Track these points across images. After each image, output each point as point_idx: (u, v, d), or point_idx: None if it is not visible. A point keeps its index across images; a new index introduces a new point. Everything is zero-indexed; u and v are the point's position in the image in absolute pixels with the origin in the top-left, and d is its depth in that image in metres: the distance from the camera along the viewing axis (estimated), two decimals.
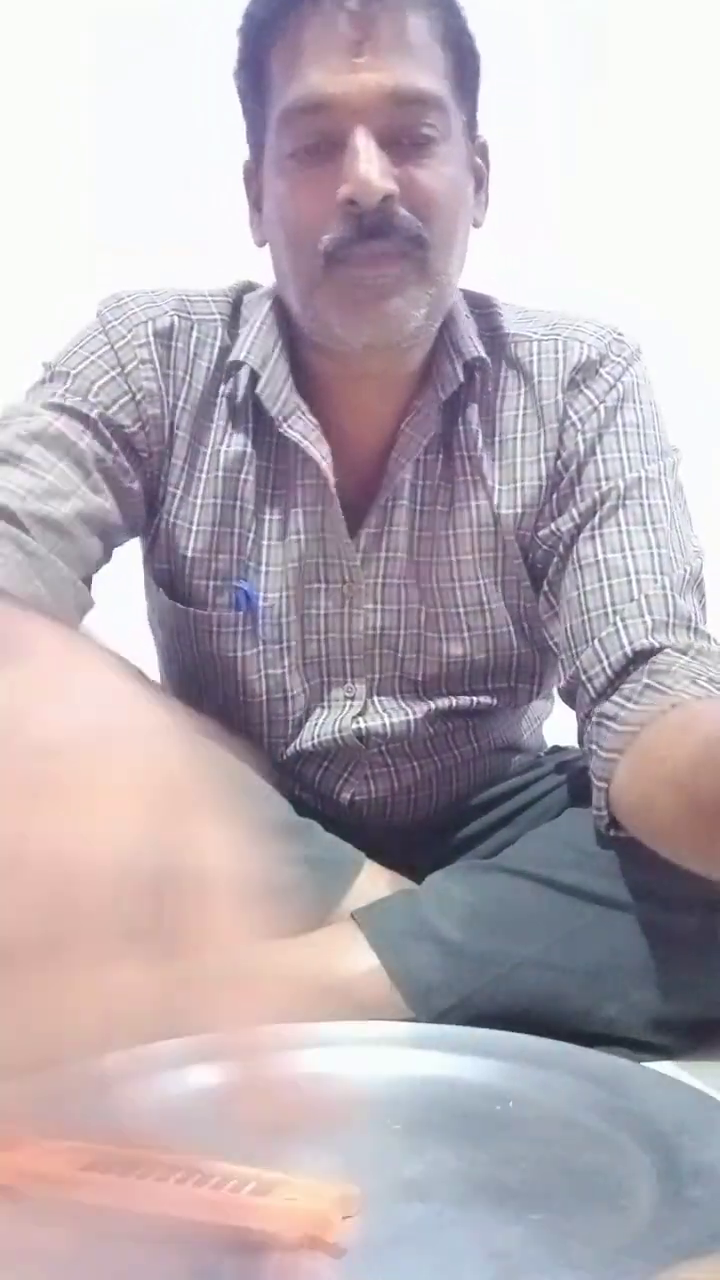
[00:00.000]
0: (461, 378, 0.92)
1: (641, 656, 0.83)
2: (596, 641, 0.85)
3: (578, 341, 0.94)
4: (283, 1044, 0.69)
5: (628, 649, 0.83)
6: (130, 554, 1.02)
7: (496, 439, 0.95)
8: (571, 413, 0.93)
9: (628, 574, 0.86)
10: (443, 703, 1.00)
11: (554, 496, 0.93)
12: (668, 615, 0.84)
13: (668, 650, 0.82)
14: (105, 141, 2.01)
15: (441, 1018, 0.78)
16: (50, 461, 0.86)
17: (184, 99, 1.92)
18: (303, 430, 0.92)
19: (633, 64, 2.30)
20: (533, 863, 0.85)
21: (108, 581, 0.94)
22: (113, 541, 0.92)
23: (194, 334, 0.94)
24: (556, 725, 1.16)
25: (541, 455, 0.94)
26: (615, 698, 0.83)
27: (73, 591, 0.84)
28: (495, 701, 1.01)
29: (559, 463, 0.93)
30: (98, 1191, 0.52)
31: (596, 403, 0.92)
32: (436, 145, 0.84)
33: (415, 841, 1.03)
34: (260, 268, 0.95)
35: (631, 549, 0.87)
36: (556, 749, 1.14)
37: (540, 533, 0.94)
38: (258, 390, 0.92)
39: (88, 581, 0.89)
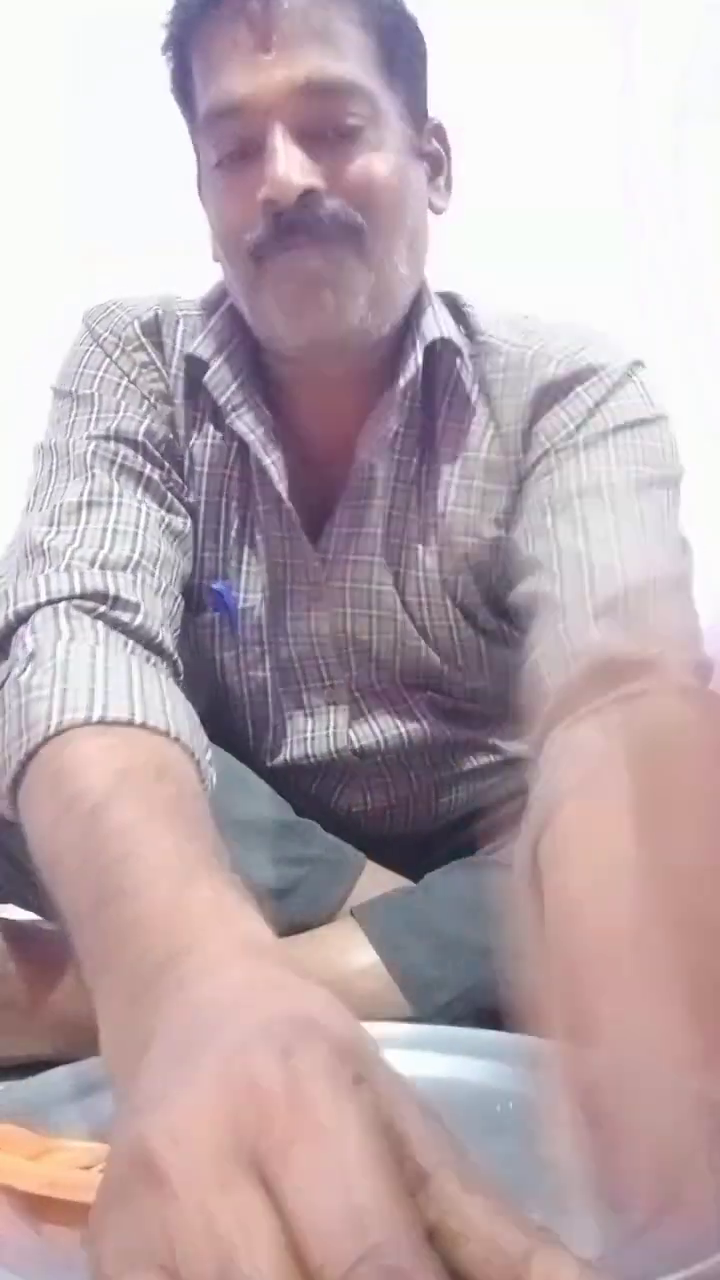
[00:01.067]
0: (420, 361, 0.87)
1: (616, 668, 0.69)
2: (561, 639, 0.75)
3: (546, 358, 0.87)
4: None
5: (602, 656, 0.71)
6: None
7: (462, 451, 0.89)
8: (538, 431, 0.86)
9: (610, 565, 0.76)
10: (434, 712, 0.97)
11: (514, 503, 0.88)
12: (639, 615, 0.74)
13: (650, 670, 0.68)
14: (93, 144, 2.00)
15: (441, 1012, 0.78)
16: (130, 496, 0.83)
17: (173, 101, 1.92)
18: (249, 423, 0.88)
19: None
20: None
21: None
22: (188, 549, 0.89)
23: (180, 326, 0.92)
24: None
25: (508, 483, 0.88)
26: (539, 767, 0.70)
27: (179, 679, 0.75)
28: (487, 712, 0.98)
29: (518, 474, 0.88)
30: (96, 1192, 0.52)
31: (570, 415, 0.85)
32: (364, 133, 0.79)
33: (414, 849, 1.03)
34: None
35: (617, 541, 0.77)
36: None
37: (499, 538, 0.89)
38: (205, 379, 0.88)
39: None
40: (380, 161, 0.80)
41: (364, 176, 0.79)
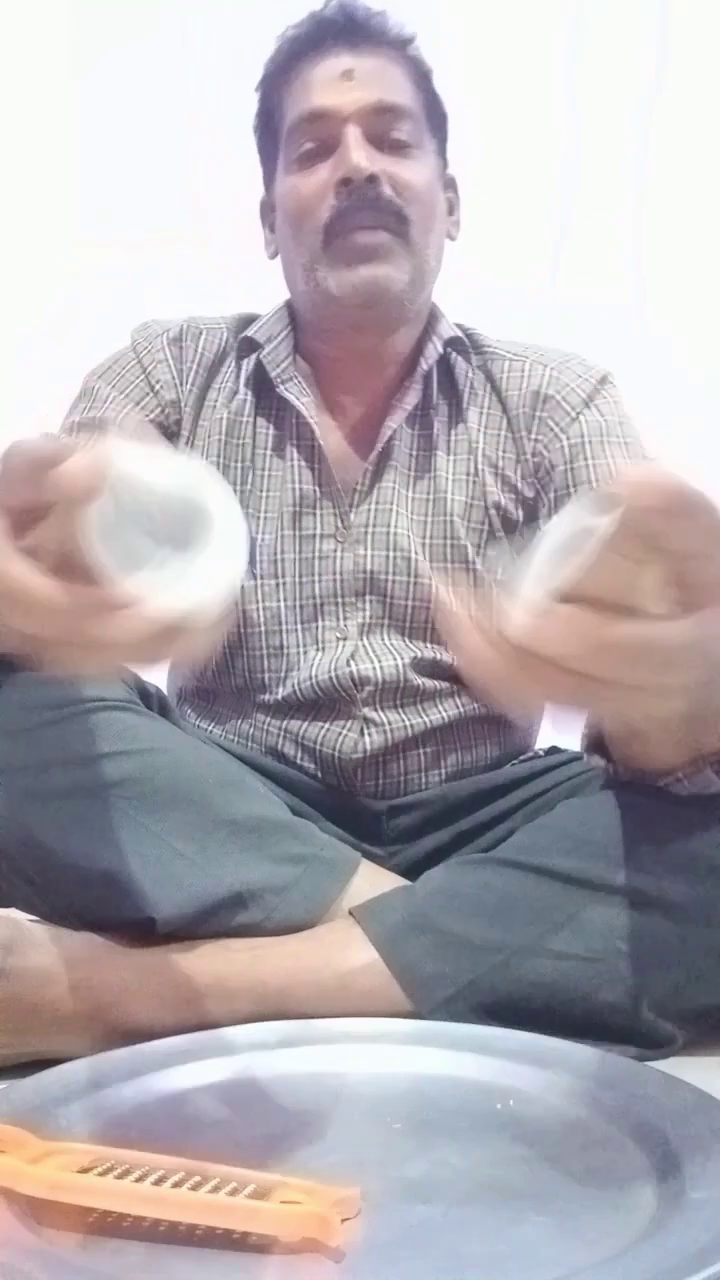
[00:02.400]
0: (440, 350, 1.07)
1: None
2: None
3: (542, 366, 1.09)
4: (284, 1041, 0.69)
5: None
6: None
7: (481, 433, 1.09)
8: (538, 440, 1.07)
9: None
10: (429, 651, 1.05)
11: (532, 489, 1.07)
12: None
13: None
14: (86, 133, 2.00)
15: (440, 1008, 0.78)
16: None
17: (167, 89, 1.92)
18: (296, 392, 1.07)
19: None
20: (528, 853, 0.85)
21: None
22: None
23: (201, 337, 1.11)
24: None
25: (518, 456, 1.08)
26: None
27: None
28: None
29: (538, 472, 1.07)
30: (97, 1195, 0.52)
31: (566, 428, 1.07)
32: (411, 149, 1.04)
33: (414, 828, 1.04)
34: (240, 257, 1.10)
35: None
36: (554, 749, 1.13)
37: (527, 510, 1.07)
38: (262, 357, 1.08)
39: None
40: (421, 172, 1.04)
41: (408, 177, 1.02)
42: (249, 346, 1.09)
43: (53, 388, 1.13)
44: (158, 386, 1.09)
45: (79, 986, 0.79)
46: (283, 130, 1.06)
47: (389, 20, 1.08)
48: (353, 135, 1.00)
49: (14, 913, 0.85)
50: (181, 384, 1.10)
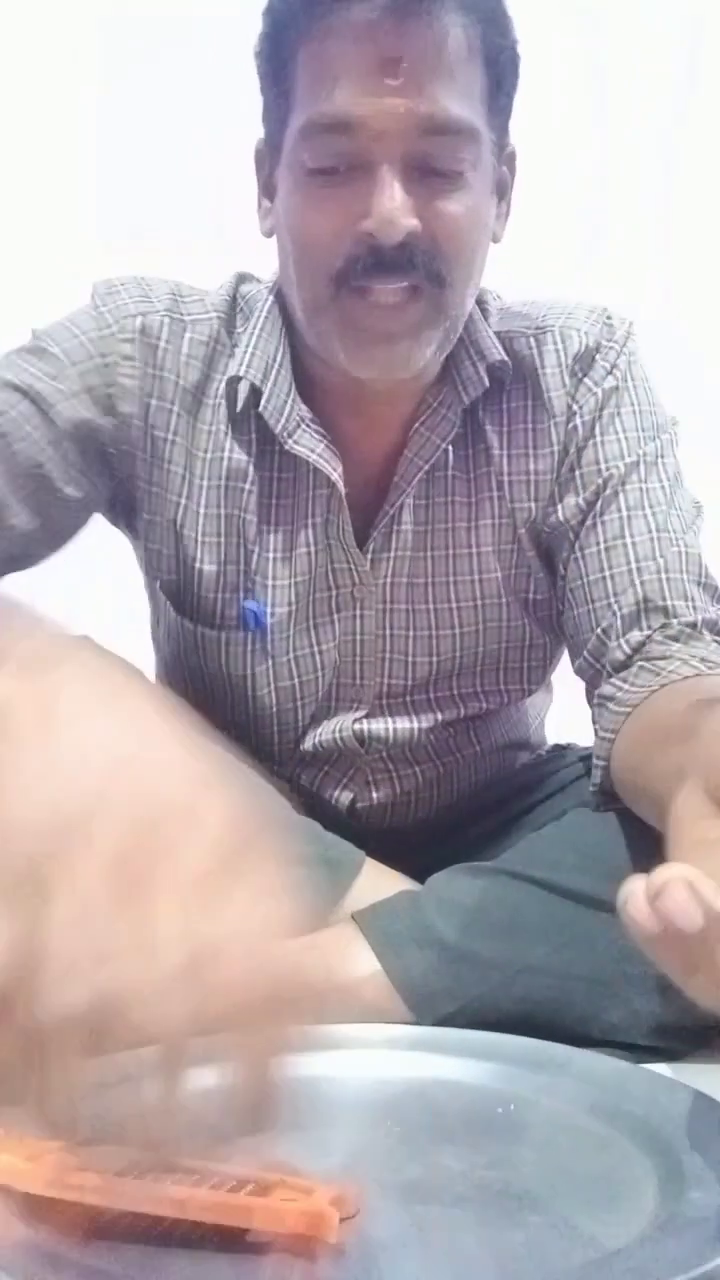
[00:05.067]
0: (487, 382, 0.91)
1: (640, 644, 0.87)
2: (600, 630, 0.89)
3: (574, 330, 0.93)
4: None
5: (628, 636, 0.88)
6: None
7: (505, 431, 0.94)
8: (574, 403, 0.93)
9: (628, 562, 0.89)
10: (448, 709, 0.99)
11: (559, 485, 0.94)
12: (664, 599, 0.88)
13: (665, 631, 0.87)
14: (109, 141, 2.00)
15: (443, 1023, 0.77)
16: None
17: (190, 99, 1.92)
18: (310, 445, 0.90)
19: None
20: (536, 866, 0.84)
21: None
22: (29, 556, 0.91)
23: (186, 335, 0.91)
24: (558, 722, 1.15)
25: (551, 448, 0.94)
26: (614, 679, 0.87)
27: None
28: (502, 698, 1.01)
29: (563, 451, 0.94)
30: (95, 1192, 0.52)
31: (594, 388, 0.93)
32: (466, 177, 0.80)
33: (416, 843, 1.03)
34: (262, 262, 0.94)
35: (631, 535, 0.89)
36: (559, 748, 1.13)
37: (549, 520, 0.94)
38: (260, 408, 0.90)
39: None
40: (472, 208, 0.81)
41: (456, 225, 0.80)
42: (249, 396, 0.90)
43: None
44: (113, 391, 0.89)
45: None
46: (294, 100, 0.80)
47: None
48: (389, 174, 0.77)
49: None
50: (148, 396, 0.90)
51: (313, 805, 1.02)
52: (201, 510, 0.92)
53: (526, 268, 2.16)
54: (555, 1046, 0.69)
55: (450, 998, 0.78)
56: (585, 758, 0.98)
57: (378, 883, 0.89)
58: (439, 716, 0.99)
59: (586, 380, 0.93)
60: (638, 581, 0.88)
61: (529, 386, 0.93)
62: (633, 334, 0.95)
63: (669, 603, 0.88)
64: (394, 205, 0.77)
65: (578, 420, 0.93)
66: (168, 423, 0.91)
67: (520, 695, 1.03)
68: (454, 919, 0.81)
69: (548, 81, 2.29)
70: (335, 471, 0.90)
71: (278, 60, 0.82)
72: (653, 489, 0.91)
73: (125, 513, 0.95)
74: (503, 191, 0.89)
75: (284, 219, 0.85)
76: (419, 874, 0.91)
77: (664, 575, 0.88)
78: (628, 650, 0.87)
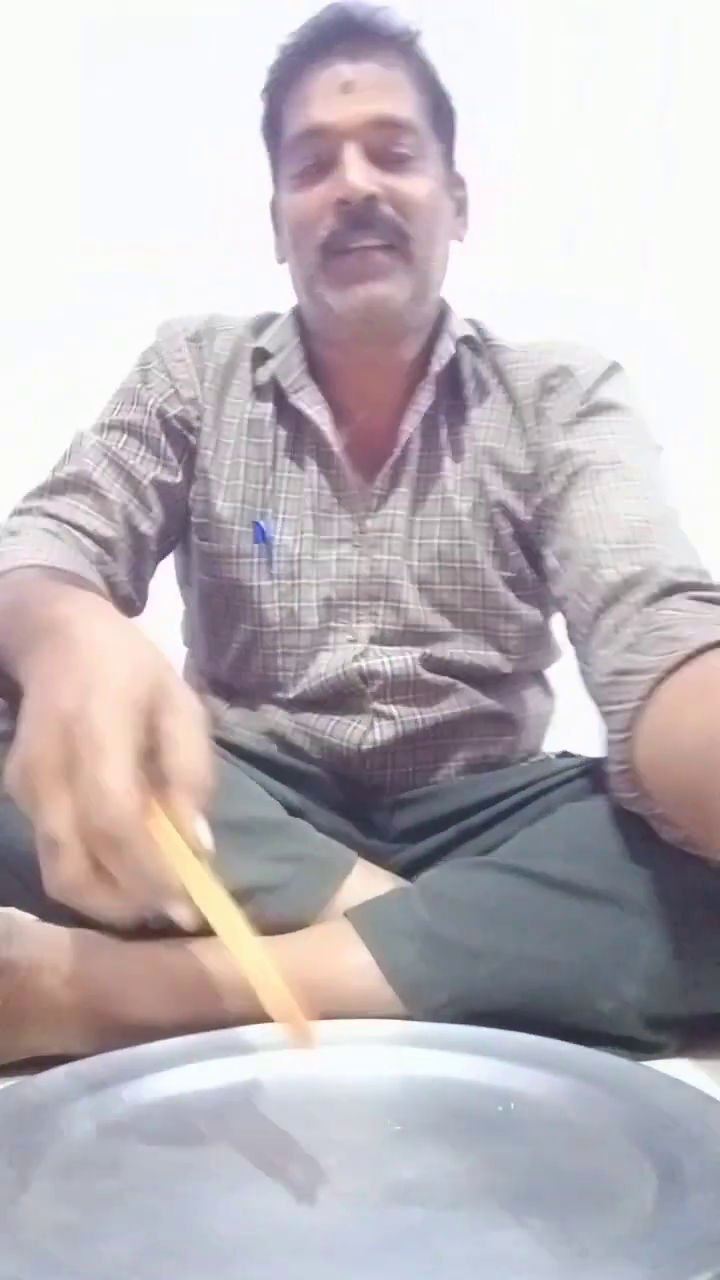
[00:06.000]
0: (454, 350, 1.07)
1: (626, 586, 0.89)
2: (584, 579, 0.93)
3: (549, 354, 1.08)
4: (280, 1043, 0.69)
5: (613, 580, 0.90)
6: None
7: (484, 430, 1.08)
8: (546, 407, 1.06)
9: (613, 516, 0.95)
10: (438, 655, 1.07)
11: (537, 478, 1.05)
12: (650, 542, 0.92)
13: (652, 580, 0.88)
14: (91, 141, 2.00)
15: (435, 1014, 0.77)
16: (112, 484, 1.06)
17: (173, 98, 1.92)
18: (308, 400, 1.07)
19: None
20: (525, 858, 0.85)
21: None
22: (150, 550, 1.09)
23: (218, 336, 1.12)
24: (564, 733, 1.16)
25: (524, 447, 1.06)
26: (627, 654, 0.85)
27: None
28: (488, 658, 1.09)
29: (538, 450, 1.05)
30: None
31: (571, 398, 1.05)
32: (413, 162, 1.01)
33: (420, 825, 1.05)
34: (248, 268, 1.11)
35: (613, 503, 0.96)
36: (565, 754, 1.14)
37: (534, 503, 1.05)
38: (272, 368, 1.09)
39: (139, 593, 1.09)
40: (423, 185, 1.02)
41: (409, 193, 1.00)
42: (261, 356, 1.10)
43: (56, 390, 1.13)
44: (179, 385, 1.10)
45: (74, 979, 0.79)
46: (284, 136, 1.04)
47: (391, 18, 1.03)
48: (351, 153, 0.98)
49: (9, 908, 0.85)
50: (201, 382, 1.11)
51: (326, 755, 1.07)
52: (227, 460, 1.09)
53: (525, 268, 2.17)
54: (553, 1042, 0.69)
55: (442, 989, 0.78)
56: (587, 765, 0.98)
57: (369, 882, 0.90)
58: (431, 660, 1.07)
59: (563, 392, 1.05)
60: (623, 523, 0.94)
61: (503, 393, 1.09)
62: (619, 370, 1.08)
63: (652, 543, 0.92)
64: (357, 175, 0.98)
65: (553, 424, 1.05)
66: (209, 396, 1.11)
67: (505, 661, 1.10)
68: (444, 912, 0.82)
69: (547, 82, 2.30)
70: (325, 425, 1.07)
71: (274, 121, 1.06)
72: (635, 469, 0.99)
73: (188, 484, 1.12)
74: (459, 205, 1.10)
75: (284, 217, 1.05)
76: (418, 871, 0.91)
77: (649, 524, 0.94)
78: (611, 582, 0.90)
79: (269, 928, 0.86)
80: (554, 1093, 0.65)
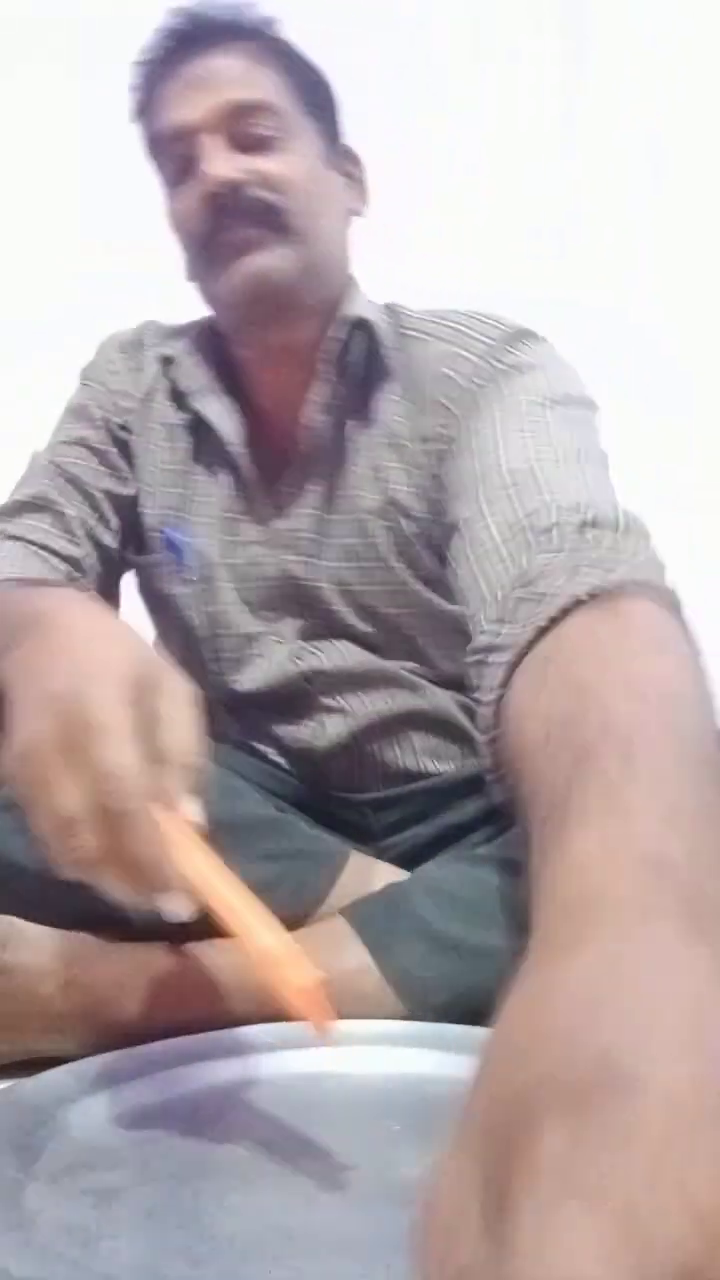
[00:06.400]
0: (341, 337, 1.01)
1: (515, 526, 0.76)
2: (475, 542, 0.80)
3: (443, 341, 0.99)
4: (284, 1042, 0.70)
5: (498, 519, 0.78)
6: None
7: (387, 424, 1.02)
8: (444, 399, 0.97)
9: (495, 468, 0.84)
10: (372, 653, 1.05)
11: (440, 499, 0.96)
12: (537, 478, 0.79)
13: (550, 535, 0.73)
14: (92, 140, 1.99)
15: (435, 1013, 0.77)
16: (72, 500, 1.05)
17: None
18: (208, 403, 1.06)
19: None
20: (523, 850, 0.84)
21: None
22: (115, 563, 1.09)
23: (147, 345, 1.11)
24: None
25: (424, 441, 0.99)
26: (491, 625, 0.70)
27: None
28: (426, 656, 1.05)
29: (438, 446, 0.97)
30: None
31: (465, 385, 0.96)
32: (278, 141, 0.99)
33: (401, 822, 1.04)
34: None
35: (491, 451, 0.86)
36: None
37: (438, 520, 0.96)
38: (170, 373, 1.08)
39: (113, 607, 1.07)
40: (293, 163, 0.99)
41: (278, 171, 0.98)
42: (166, 362, 1.09)
43: (55, 389, 1.13)
44: (116, 396, 1.10)
45: (72, 983, 0.79)
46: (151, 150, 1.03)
47: (243, 13, 1.02)
48: (208, 146, 0.97)
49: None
50: (133, 392, 1.10)
51: (286, 759, 1.06)
52: (152, 466, 1.09)
53: (515, 271, 2.18)
54: None
55: (442, 988, 0.78)
56: None
57: (364, 876, 0.89)
58: (370, 647, 1.05)
59: (458, 379, 0.96)
60: (505, 473, 0.82)
61: (408, 384, 1.02)
62: (526, 335, 0.97)
63: (541, 479, 0.79)
64: (217, 166, 0.96)
65: (449, 415, 0.96)
66: (137, 404, 1.10)
67: (444, 660, 1.05)
68: (443, 909, 0.82)
69: (538, 85, 2.31)
70: (226, 425, 1.05)
71: (152, 142, 1.03)
72: (525, 422, 0.87)
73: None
74: (350, 176, 1.07)
75: (171, 227, 1.03)
76: (411, 864, 0.91)
77: (535, 466, 0.81)
78: (501, 534, 0.77)
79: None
80: None
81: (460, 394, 0.96)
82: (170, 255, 1.06)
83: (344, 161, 1.06)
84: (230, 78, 0.98)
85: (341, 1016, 0.73)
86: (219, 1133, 0.57)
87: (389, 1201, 0.54)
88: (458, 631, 0.89)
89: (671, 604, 0.64)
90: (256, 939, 0.56)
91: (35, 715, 0.58)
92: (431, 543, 1.00)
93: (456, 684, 1.03)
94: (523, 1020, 0.32)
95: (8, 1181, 0.55)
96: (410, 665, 1.05)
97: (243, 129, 0.98)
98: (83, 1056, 0.70)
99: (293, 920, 0.85)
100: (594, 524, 0.72)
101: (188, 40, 1.00)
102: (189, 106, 0.98)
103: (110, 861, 0.56)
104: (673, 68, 2.21)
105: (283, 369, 1.04)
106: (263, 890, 0.86)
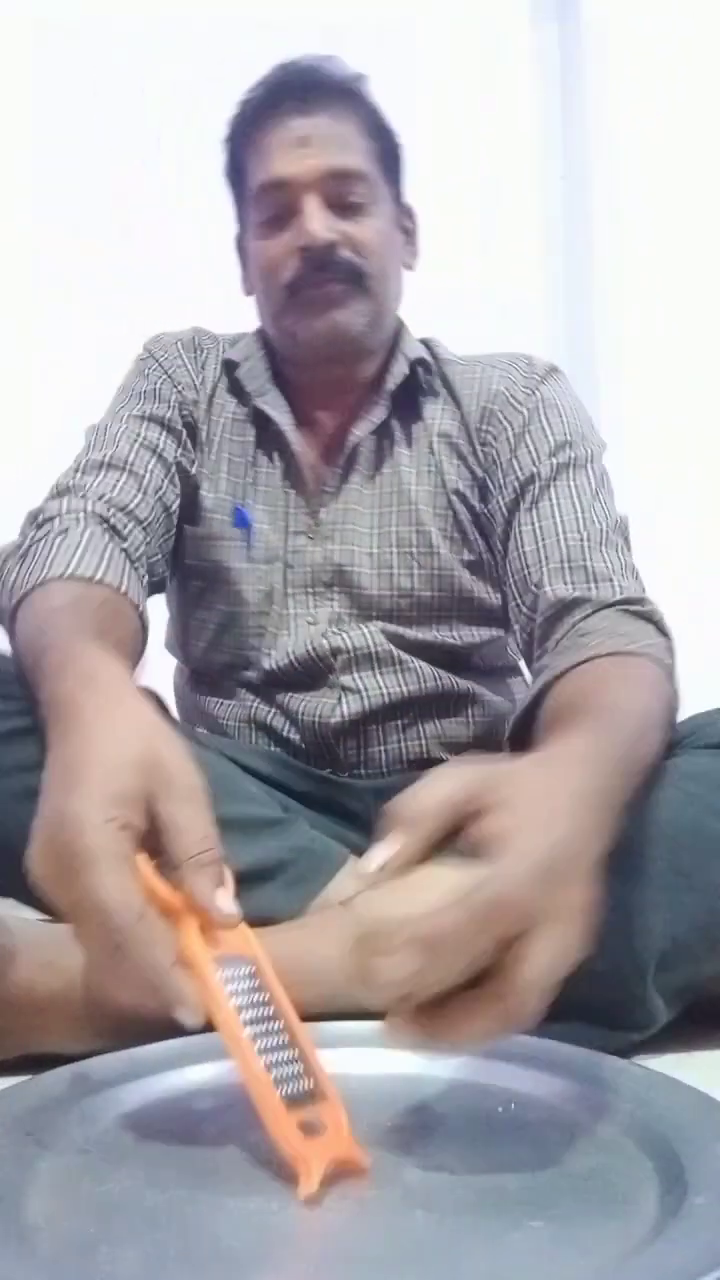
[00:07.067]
0: (407, 370, 1.17)
1: (566, 607, 0.99)
2: (533, 585, 1.03)
3: (491, 368, 1.17)
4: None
5: (552, 599, 1.00)
6: None
7: (438, 424, 1.17)
8: (488, 429, 1.14)
9: (556, 533, 1.05)
10: (399, 627, 1.14)
11: (490, 485, 1.13)
12: (585, 560, 1.02)
13: (588, 602, 0.99)
14: (91, 141, 1.99)
15: None
16: (146, 465, 1.11)
17: (175, 98, 1.92)
18: (272, 404, 1.17)
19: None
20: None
21: None
22: (174, 527, 1.15)
23: (204, 349, 1.22)
24: None
25: (470, 453, 1.15)
26: (549, 656, 0.95)
27: (141, 575, 1.05)
28: (451, 636, 1.15)
29: (486, 462, 1.14)
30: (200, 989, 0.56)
31: (511, 417, 1.13)
32: (366, 207, 1.12)
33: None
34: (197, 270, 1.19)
35: (560, 515, 1.06)
36: None
37: (488, 507, 1.13)
38: (237, 374, 1.19)
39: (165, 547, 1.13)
40: (376, 229, 1.13)
41: (364, 238, 1.11)
42: (230, 366, 1.20)
43: (57, 389, 1.13)
44: (180, 387, 1.18)
45: (51, 968, 0.79)
46: (248, 184, 1.14)
47: (336, 68, 1.14)
48: (311, 205, 1.09)
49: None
50: (196, 384, 1.19)
51: (303, 726, 1.12)
52: (214, 454, 1.18)
53: (518, 267, 2.17)
54: (557, 1045, 0.69)
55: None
56: None
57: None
58: (391, 632, 1.14)
59: (500, 415, 1.13)
60: (563, 545, 1.04)
61: (451, 405, 1.18)
62: (554, 373, 1.17)
63: (590, 564, 1.01)
64: (316, 224, 1.09)
65: (496, 443, 1.13)
66: (201, 396, 1.19)
67: (467, 642, 1.16)
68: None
69: (539, 85, 2.30)
70: (288, 427, 1.16)
71: (237, 167, 1.16)
72: (580, 484, 1.08)
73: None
74: (409, 234, 1.21)
75: (252, 262, 1.17)
76: None
77: (586, 543, 1.03)
78: (553, 601, 1.00)
79: (255, 919, 0.86)
80: (554, 1093, 0.65)
81: (510, 410, 1.13)
82: (170, 256, 1.06)
83: (405, 218, 1.20)
84: (332, 140, 1.11)
85: (340, 1005, 0.73)
86: (218, 1136, 0.57)
87: (393, 1204, 0.54)
88: (487, 616, 1.17)
89: (665, 666, 0.89)
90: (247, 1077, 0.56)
91: (38, 837, 0.60)
92: (484, 532, 1.14)
93: (468, 664, 1.17)
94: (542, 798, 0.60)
95: (8, 1187, 0.55)
96: (429, 651, 1.14)
97: (339, 192, 1.10)
98: (74, 1050, 0.70)
99: (286, 914, 0.88)
100: (633, 602, 0.98)
101: (290, 92, 1.12)
102: (294, 163, 1.10)
103: (117, 974, 0.57)
104: (672, 67, 2.21)
105: (335, 393, 1.17)
106: (263, 877, 0.88)
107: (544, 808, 0.58)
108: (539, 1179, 0.57)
